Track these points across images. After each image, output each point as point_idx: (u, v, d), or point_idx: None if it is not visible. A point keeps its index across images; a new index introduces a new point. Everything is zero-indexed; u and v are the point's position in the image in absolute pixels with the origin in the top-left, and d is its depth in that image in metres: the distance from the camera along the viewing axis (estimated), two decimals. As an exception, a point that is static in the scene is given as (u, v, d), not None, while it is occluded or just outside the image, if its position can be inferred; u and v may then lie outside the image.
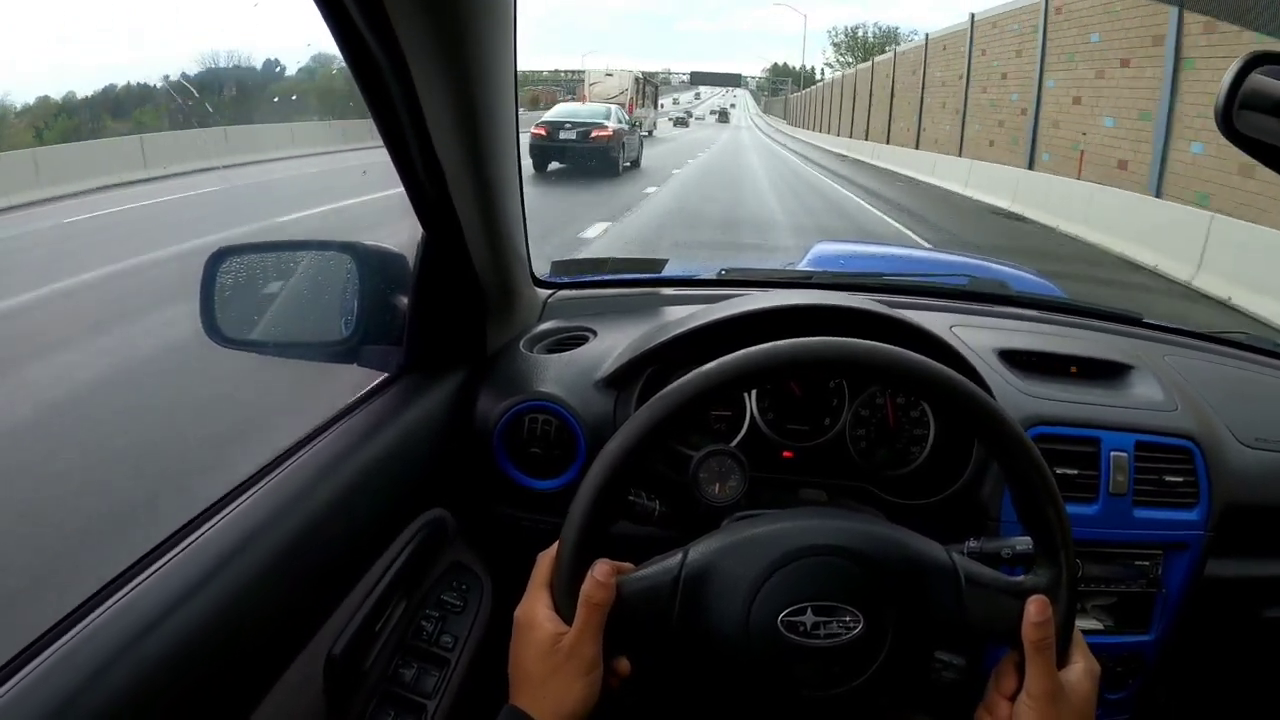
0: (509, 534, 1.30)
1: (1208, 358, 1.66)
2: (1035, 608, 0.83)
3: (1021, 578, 0.88)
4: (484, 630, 1.18)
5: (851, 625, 0.83)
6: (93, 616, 0.72)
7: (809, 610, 0.83)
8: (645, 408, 0.86)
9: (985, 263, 2.86)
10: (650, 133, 40.94)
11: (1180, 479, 1.36)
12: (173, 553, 0.81)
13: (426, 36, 0.90)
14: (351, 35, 0.87)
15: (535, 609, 0.85)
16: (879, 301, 1.42)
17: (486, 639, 1.17)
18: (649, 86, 42.90)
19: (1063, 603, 0.86)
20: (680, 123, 69.21)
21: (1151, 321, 1.79)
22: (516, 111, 1.20)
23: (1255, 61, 0.95)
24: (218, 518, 0.87)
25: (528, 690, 0.83)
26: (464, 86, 1.02)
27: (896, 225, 13.17)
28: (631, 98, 35.97)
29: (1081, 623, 1.36)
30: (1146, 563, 1.36)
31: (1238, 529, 1.38)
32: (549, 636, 0.83)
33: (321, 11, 0.84)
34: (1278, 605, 1.45)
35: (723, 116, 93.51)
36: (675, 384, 0.86)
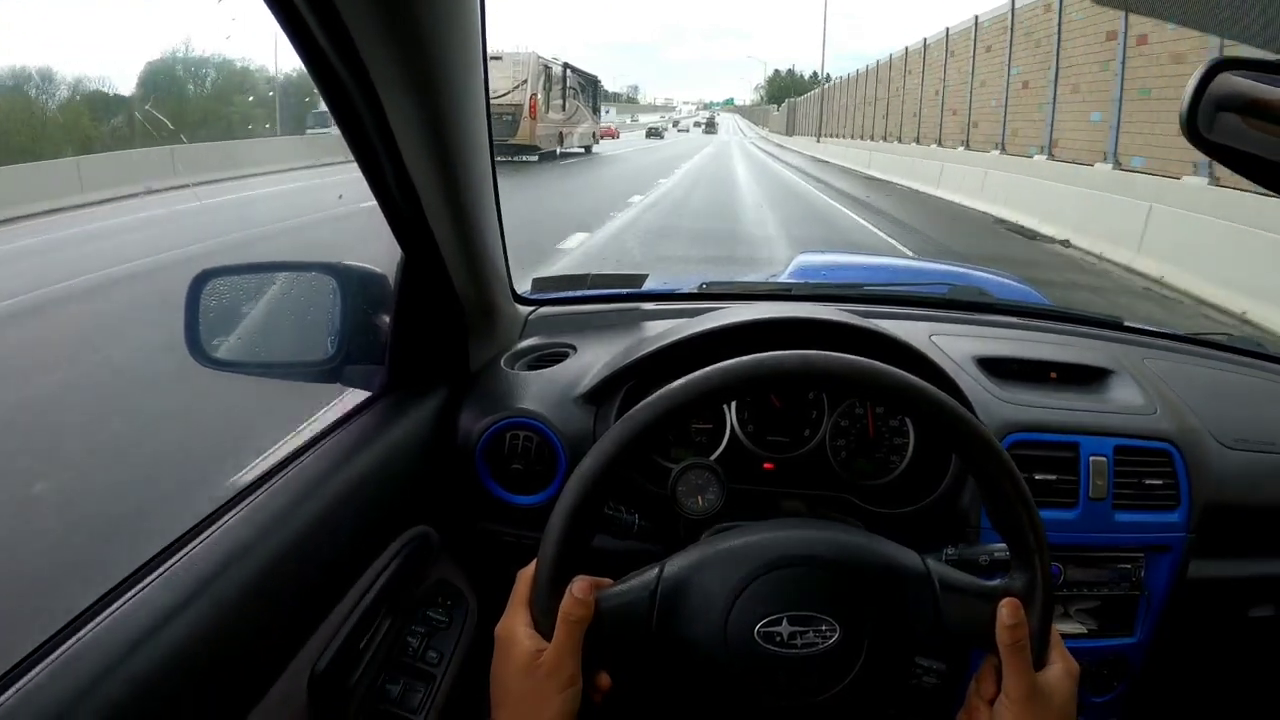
0: (493, 550, 1.31)
1: (1188, 360, 1.68)
2: (1007, 610, 0.84)
3: (996, 582, 0.89)
4: (469, 646, 1.19)
5: (828, 634, 0.83)
6: (79, 635, 0.73)
7: (785, 620, 0.84)
8: (617, 425, 0.87)
9: (966, 270, 2.87)
10: (588, 149, 32.13)
11: (1160, 482, 1.37)
12: (158, 571, 0.82)
13: (392, 58, 0.92)
14: (323, 67, 0.88)
15: (515, 626, 0.86)
16: (857, 313, 1.43)
17: (472, 655, 1.18)
18: (572, 82, 28.93)
19: (1038, 605, 0.86)
20: (654, 134, 63.95)
21: (1132, 325, 1.81)
22: (490, 130, 1.21)
23: (1218, 67, 0.96)
24: (202, 536, 0.88)
25: (508, 706, 0.84)
26: (433, 107, 1.03)
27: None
28: (534, 96, 23.14)
29: (1066, 626, 1.37)
30: (1129, 565, 1.38)
31: (1219, 530, 1.40)
32: (528, 653, 0.84)
33: (286, 34, 0.85)
34: (1260, 604, 1.46)
35: (709, 127, 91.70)
36: (646, 401, 0.87)
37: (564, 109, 27.63)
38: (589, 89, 33.06)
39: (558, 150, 27.13)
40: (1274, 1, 0.93)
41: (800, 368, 0.88)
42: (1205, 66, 0.96)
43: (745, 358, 0.88)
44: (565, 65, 28.18)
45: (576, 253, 10.30)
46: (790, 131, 64.71)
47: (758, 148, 52.63)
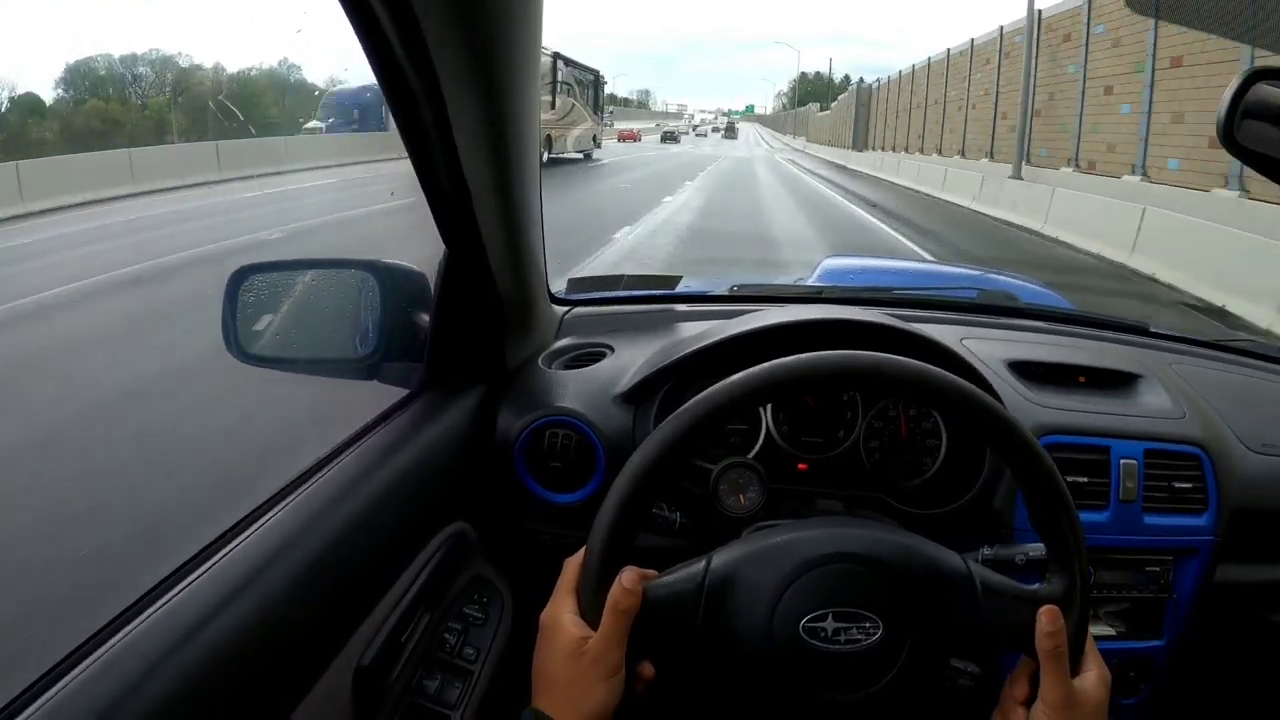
0: (530, 547, 1.32)
1: (1214, 365, 1.68)
2: (1047, 617, 0.85)
3: (1036, 586, 0.90)
4: (505, 642, 1.20)
5: (871, 631, 0.85)
6: (132, 626, 0.74)
7: (830, 616, 0.85)
8: (672, 419, 0.88)
9: (993, 275, 2.88)
10: (587, 155, 28.16)
11: (1189, 485, 1.38)
12: (204, 566, 0.83)
13: (460, 63, 0.93)
14: (388, 60, 0.90)
15: (561, 614, 0.87)
16: (890, 315, 1.44)
17: (508, 651, 1.19)
18: (565, 76, 24.57)
19: (1075, 611, 0.87)
20: (669, 138, 60.70)
21: (1158, 330, 1.81)
22: (539, 133, 1.22)
23: (1256, 76, 0.97)
24: (248, 532, 0.89)
25: (550, 693, 0.85)
26: (494, 112, 1.05)
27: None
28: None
29: (1094, 629, 1.37)
30: (1157, 568, 1.38)
31: (1247, 534, 1.40)
32: (574, 641, 0.85)
33: (359, 36, 0.86)
34: None
35: (729, 131, 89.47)
36: (702, 395, 0.88)
37: (554, 107, 23.50)
38: (588, 86, 28.35)
39: (545, 156, 21.91)
40: None
41: (851, 367, 0.89)
42: (1241, 76, 0.97)
43: (798, 356, 0.89)
44: (555, 55, 23.61)
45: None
46: (861, 144, 39.05)
47: (806, 171, 32.99)
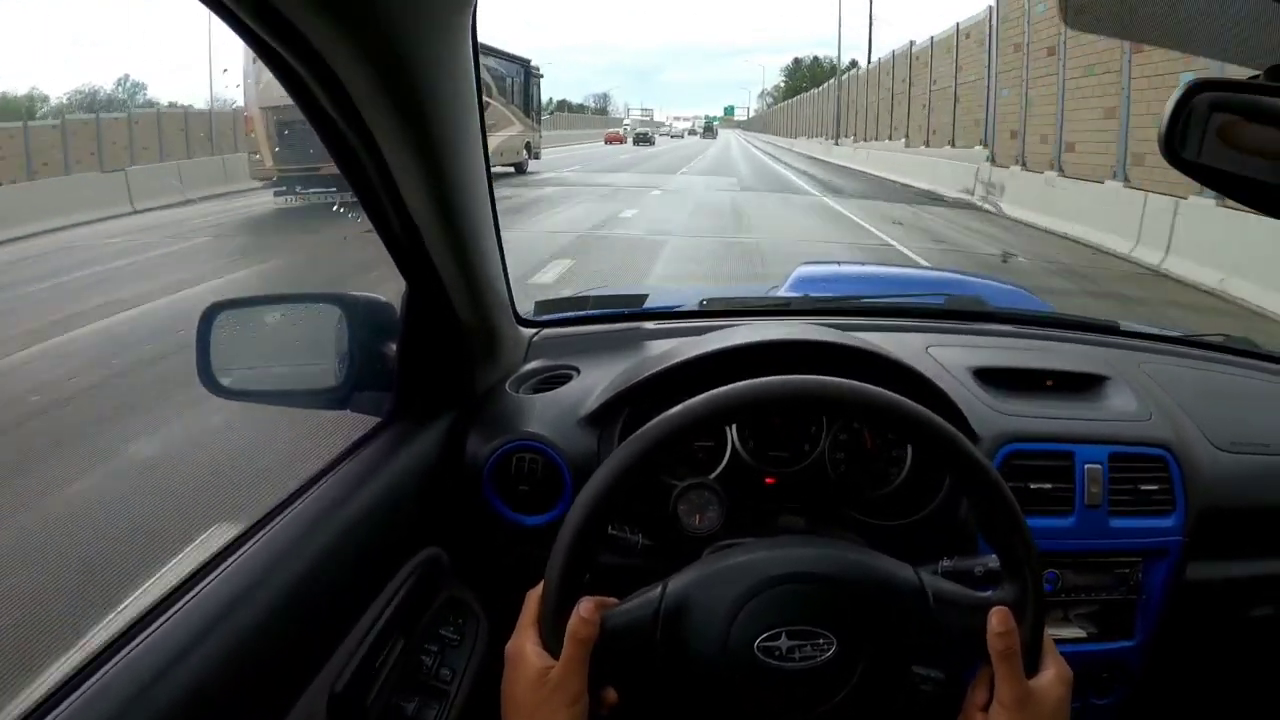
0: (502, 569, 1.33)
1: (1185, 362, 1.69)
2: (997, 619, 0.87)
3: (988, 593, 0.92)
4: (481, 663, 1.21)
5: (825, 648, 0.87)
6: (106, 668, 0.76)
7: (783, 635, 0.87)
8: (618, 451, 0.91)
9: (964, 278, 2.90)
10: (518, 167, 22.69)
11: (1155, 487, 1.39)
12: (180, 603, 0.85)
13: (382, 92, 0.92)
14: (303, 91, 0.89)
15: (524, 646, 0.90)
16: (854, 325, 1.46)
17: (483, 671, 1.20)
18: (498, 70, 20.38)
19: (1029, 615, 0.89)
20: (643, 140, 57.94)
21: (1129, 329, 1.83)
22: (487, 157, 1.23)
23: (1197, 89, 0.98)
24: (223, 566, 0.91)
25: None
26: (426, 140, 1.04)
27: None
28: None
29: (1065, 631, 1.39)
30: (1126, 570, 1.40)
31: (1216, 533, 1.42)
32: (537, 671, 0.87)
33: (271, 69, 0.85)
34: (1259, 605, 1.48)
35: (708, 132, 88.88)
36: (646, 428, 0.91)
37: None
38: (513, 80, 22.50)
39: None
40: (1250, 21, 0.96)
41: (792, 394, 0.92)
42: (1183, 87, 0.98)
43: (739, 385, 0.92)
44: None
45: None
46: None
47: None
